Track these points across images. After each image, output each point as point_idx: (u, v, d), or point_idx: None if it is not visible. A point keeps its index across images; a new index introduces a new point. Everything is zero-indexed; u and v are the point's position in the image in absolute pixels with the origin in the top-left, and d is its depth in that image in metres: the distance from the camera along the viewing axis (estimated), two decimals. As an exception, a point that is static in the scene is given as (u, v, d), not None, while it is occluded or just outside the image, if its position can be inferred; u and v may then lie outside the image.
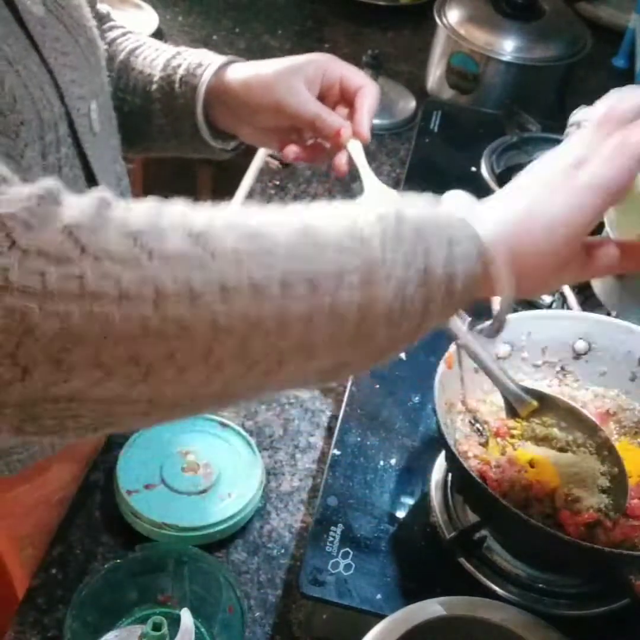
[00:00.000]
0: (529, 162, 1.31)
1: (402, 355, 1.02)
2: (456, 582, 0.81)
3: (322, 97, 0.84)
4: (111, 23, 0.94)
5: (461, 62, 1.50)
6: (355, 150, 0.85)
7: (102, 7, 0.94)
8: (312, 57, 0.85)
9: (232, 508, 0.89)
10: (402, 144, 1.48)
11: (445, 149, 1.38)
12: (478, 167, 1.34)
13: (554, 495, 0.79)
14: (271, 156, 1.36)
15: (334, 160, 0.84)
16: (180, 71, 0.86)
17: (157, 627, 0.71)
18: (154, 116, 0.89)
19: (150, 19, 1.69)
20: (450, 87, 1.54)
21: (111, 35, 0.93)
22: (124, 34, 0.93)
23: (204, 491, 0.91)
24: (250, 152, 1.48)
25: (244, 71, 0.85)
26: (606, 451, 0.82)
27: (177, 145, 0.92)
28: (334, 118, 0.83)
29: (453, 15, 1.52)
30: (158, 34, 1.67)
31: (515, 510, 0.73)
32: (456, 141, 1.40)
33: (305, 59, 0.84)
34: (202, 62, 0.86)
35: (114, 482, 0.91)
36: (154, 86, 0.87)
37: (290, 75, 0.82)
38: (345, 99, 0.85)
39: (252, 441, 0.96)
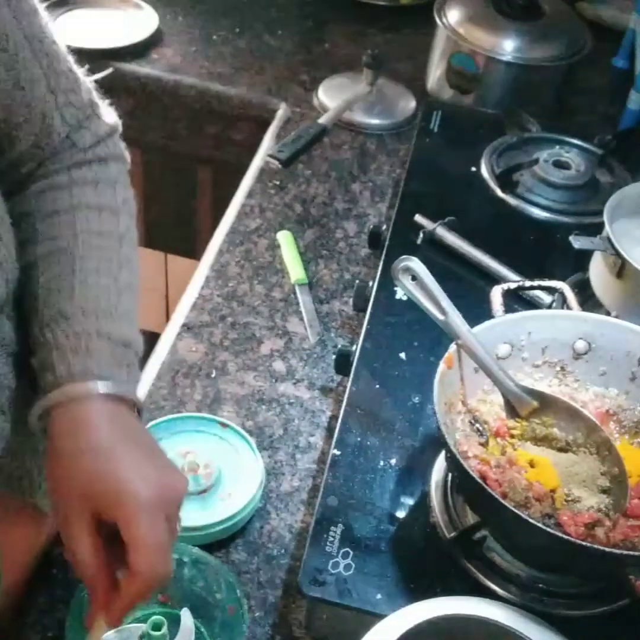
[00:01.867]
0: (529, 162, 1.30)
1: (402, 355, 1.02)
2: (456, 582, 0.81)
3: None
4: (63, 176, 0.78)
5: (461, 62, 1.50)
6: None
7: (95, 133, 0.79)
8: (132, 497, 0.64)
9: (232, 508, 0.89)
10: (402, 144, 1.48)
11: (445, 149, 1.38)
12: (478, 167, 1.34)
13: (554, 495, 0.79)
14: (271, 156, 1.36)
15: None
16: (40, 356, 0.71)
17: (157, 627, 0.71)
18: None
19: (150, 19, 1.69)
20: (450, 87, 1.54)
21: (51, 198, 0.77)
22: (54, 215, 0.76)
23: (204, 491, 0.91)
24: (250, 152, 1.49)
25: (71, 444, 0.66)
26: (606, 451, 0.82)
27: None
28: (94, 580, 0.64)
29: (453, 15, 1.52)
30: (158, 34, 1.67)
31: (515, 510, 0.73)
32: (456, 141, 1.40)
33: (123, 491, 0.64)
34: (66, 366, 0.69)
35: (114, 482, 0.91)
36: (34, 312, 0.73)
37: (78, 502, 0.64)
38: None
39: (252, 441, 0.96)
